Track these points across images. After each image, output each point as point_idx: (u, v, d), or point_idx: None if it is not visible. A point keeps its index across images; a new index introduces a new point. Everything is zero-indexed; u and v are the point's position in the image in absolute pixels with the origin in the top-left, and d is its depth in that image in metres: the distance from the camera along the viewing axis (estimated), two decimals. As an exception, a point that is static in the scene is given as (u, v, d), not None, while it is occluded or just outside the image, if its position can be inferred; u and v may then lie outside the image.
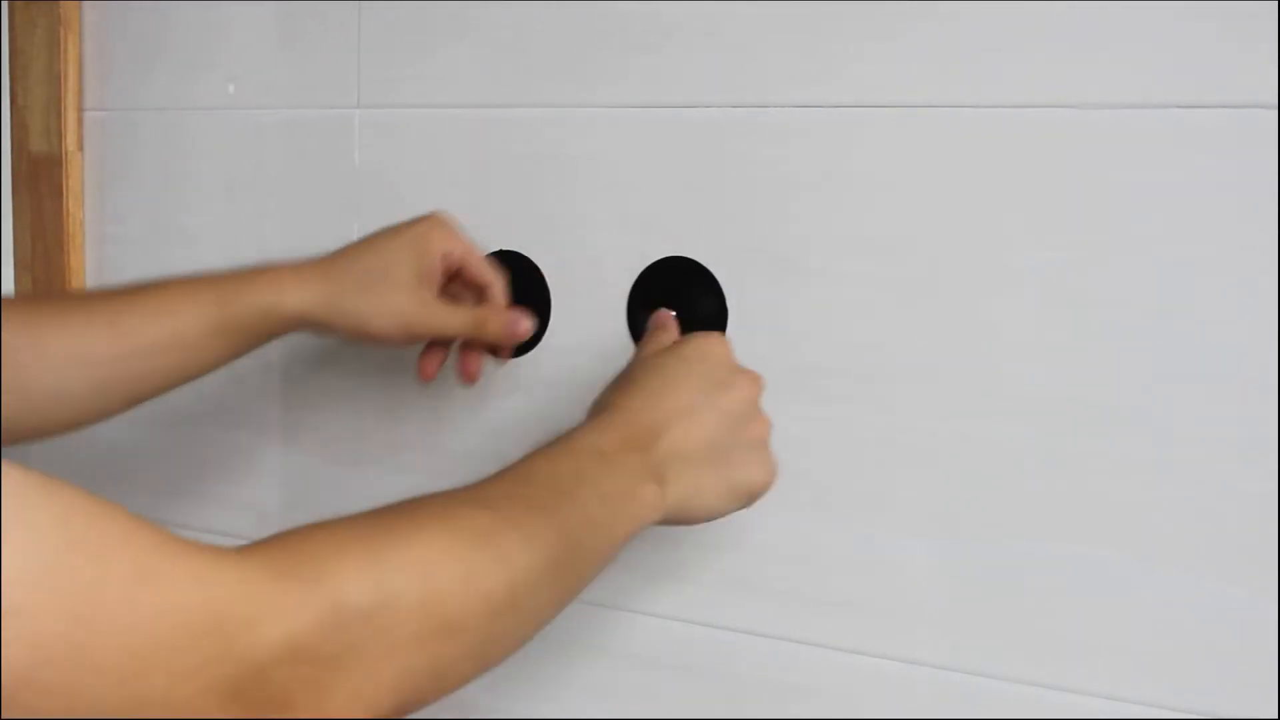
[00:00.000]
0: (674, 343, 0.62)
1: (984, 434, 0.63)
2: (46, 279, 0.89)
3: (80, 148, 0.89)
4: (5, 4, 0.89)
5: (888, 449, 0.66)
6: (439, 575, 0.44)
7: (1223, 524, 0.59)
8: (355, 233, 0.79)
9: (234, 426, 0.86)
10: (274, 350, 0.84)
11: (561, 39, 0.72)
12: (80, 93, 0.88)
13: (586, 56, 0.72)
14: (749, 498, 0.59)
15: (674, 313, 0.69)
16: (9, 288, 0.91)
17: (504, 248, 0.75)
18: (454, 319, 0.69)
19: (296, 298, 0.66)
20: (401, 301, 0.67)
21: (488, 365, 0.76)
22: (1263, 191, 0.57)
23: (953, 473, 0.64)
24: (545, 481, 0.51)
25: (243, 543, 0.42)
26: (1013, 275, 0.62)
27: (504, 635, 0.48)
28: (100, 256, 0.90)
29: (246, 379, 0.85)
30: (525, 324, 0.69)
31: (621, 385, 0.59)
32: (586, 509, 0.51)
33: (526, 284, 0.74)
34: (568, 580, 0.51)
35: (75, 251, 0.89)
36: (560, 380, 0.74)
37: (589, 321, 0.73)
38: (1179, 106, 0.58)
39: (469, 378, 0.72)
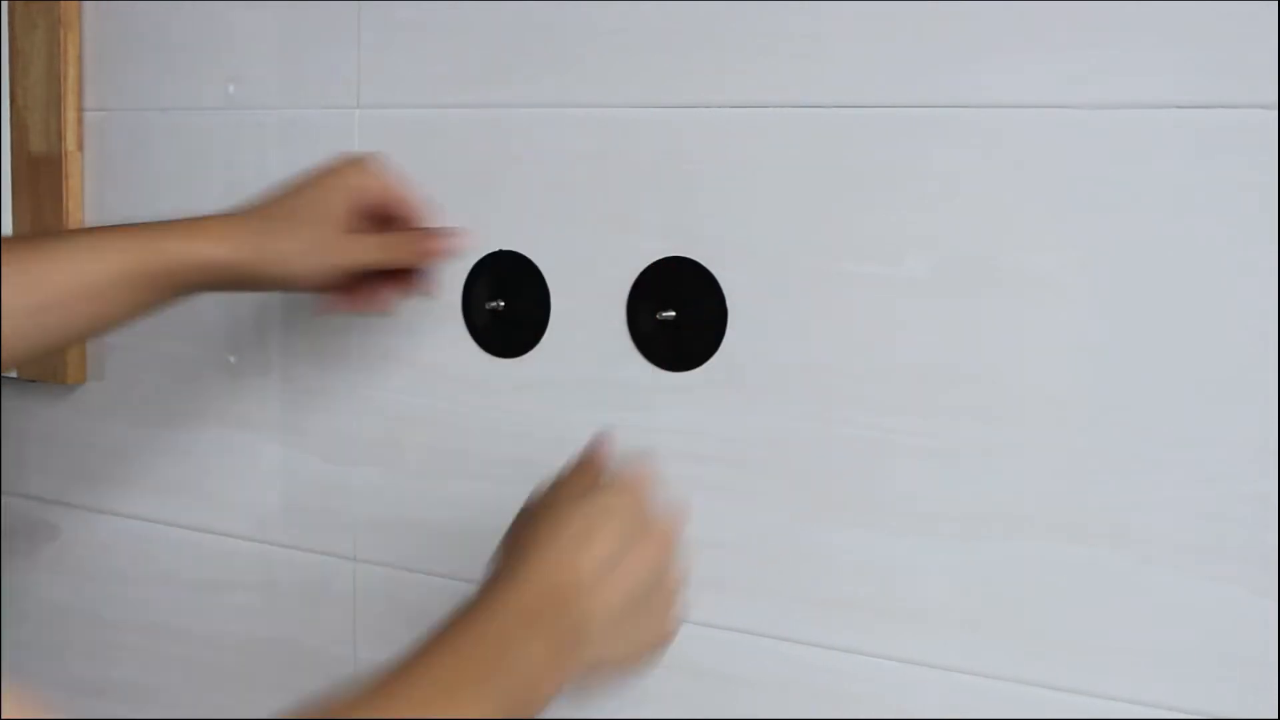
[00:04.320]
0: (595, 487, 0.56)
1: (984, 434, 0.63)
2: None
3: (80, 148, 0.89)
4: (5, 4, 0.89)
5: (887, 449, 0.66)
6: None
7: (1223, 524, 0.59)
8: (355, 233, 0.79)
9: (234, 426, 0.86)
10: (274, 350, 0.84)
11: (561, 39, 0.72)
12: (80, 93, 0.88)
13: (586, 57, 0.72)
14: (648, 662, 0.56)
15: (608, 440, 0.59)
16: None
17: (504, 248, 0.75)
18: (369, 248, 0.67)
19: (218, 246, 0.64)
20: (320, 237, 0.66)
21: (490, 366, 0.76)
22: (1263, 191, 0.57)
23: (952, 473, 0.64)
24: (473, 656, 0.50)
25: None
26: (1013, 275, 0.62)
27: None
28: (100, 256, 0.90)
29: (246, 379, 0.85)
30: (434, 244, 0.68)
31: (538, 526, 0.54)
32: (512, 693, 0.50)
33: (526, 284, 0.74)
34: None
35: (75, 251, 0.89)
36: (560, 381, 0.74)
37: (589, 322, 0.73)
38: (1179, 106, 0.58)
39: (379, 306, 0.71)
